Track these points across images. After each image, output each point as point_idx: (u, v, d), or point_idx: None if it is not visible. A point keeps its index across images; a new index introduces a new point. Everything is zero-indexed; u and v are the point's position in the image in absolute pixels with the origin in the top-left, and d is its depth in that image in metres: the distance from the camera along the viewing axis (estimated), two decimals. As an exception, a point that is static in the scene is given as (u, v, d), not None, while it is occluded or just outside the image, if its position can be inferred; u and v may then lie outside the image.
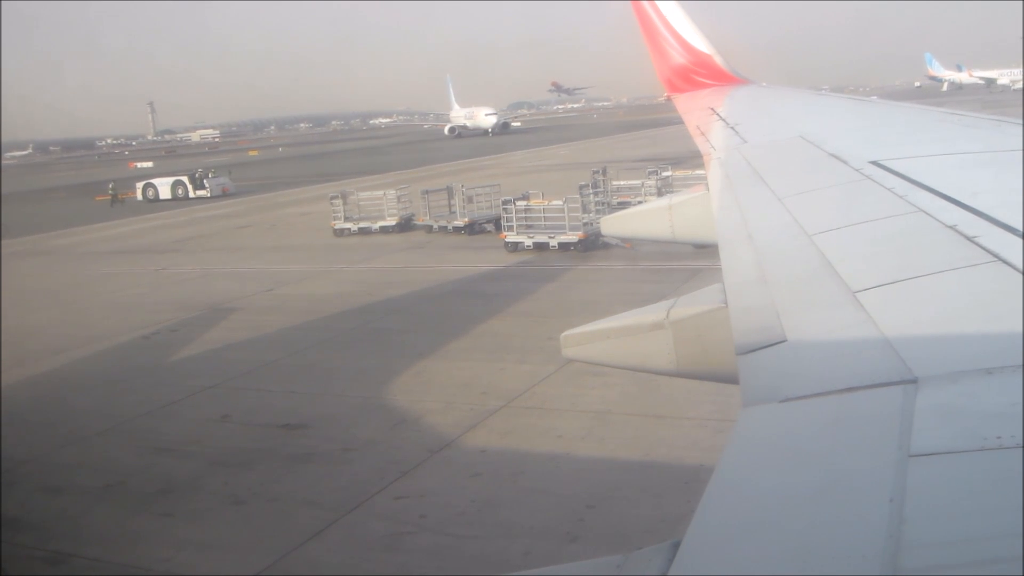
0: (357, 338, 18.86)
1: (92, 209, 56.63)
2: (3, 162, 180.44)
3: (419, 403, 14.19)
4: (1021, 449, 1.61)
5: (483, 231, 31.29)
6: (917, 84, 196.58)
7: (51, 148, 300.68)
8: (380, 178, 57.55)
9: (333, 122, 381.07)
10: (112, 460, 12.98)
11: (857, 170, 4.66)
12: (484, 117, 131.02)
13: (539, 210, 27.62)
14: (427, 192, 33.82)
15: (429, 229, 32.73)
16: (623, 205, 27.50)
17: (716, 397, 11.53)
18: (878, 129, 7.52)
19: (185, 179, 59.48)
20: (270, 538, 10.14)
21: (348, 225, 34.19)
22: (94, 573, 9.86)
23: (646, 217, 8.01)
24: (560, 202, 27.28)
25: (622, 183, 33.07)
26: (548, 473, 11.30)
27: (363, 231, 33.90)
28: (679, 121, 11.37)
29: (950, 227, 3.14)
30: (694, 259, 20.96)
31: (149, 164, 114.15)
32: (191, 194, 58.20)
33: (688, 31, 13.42)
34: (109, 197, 59.28)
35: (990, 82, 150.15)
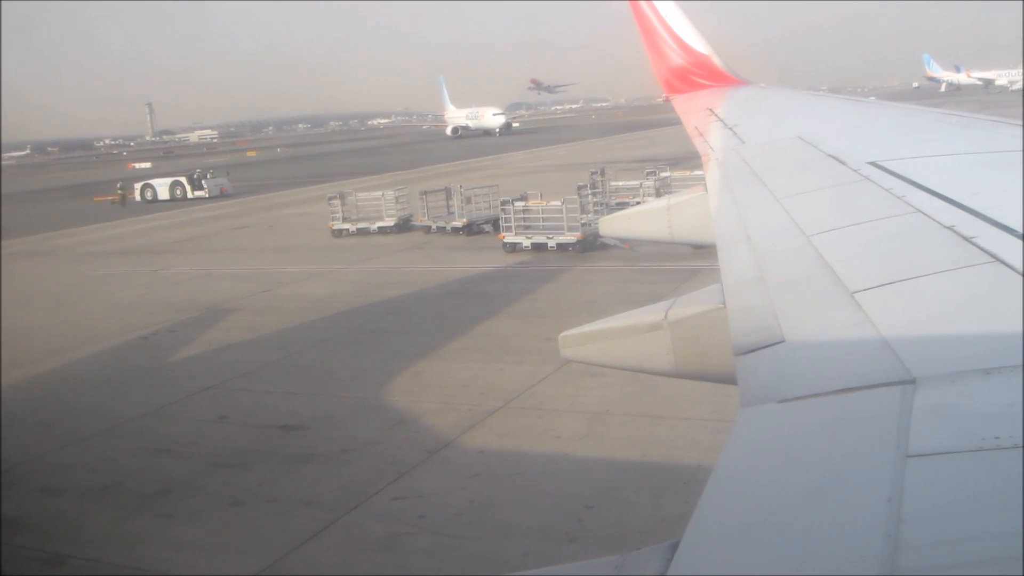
0: (355, 339, 18.85)
1: (90, 210, 56.58)
2: (2, 163, 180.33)
3: (417, 404, 14.19)
4: (1019, 449, 1.61)
5: (481, 232, 31.28)
6: (915, 85, 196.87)
7: (49, 149, 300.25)
8: (378, 179, 57.52)
9: (331, 123, 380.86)
10: (110, 461, 12.97)
11: (855, 171, 4.67)
12: (491, 117, 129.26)
13: (537, 211, 27.62)
14: (425, 193, 33.80)
15: (427, 230, 32.72)
16: (621, 206, 27.50)
17: (714, 398, 11.53)
18: (876, 130, 7.53)
19: (183, 180, 59.41)
20: (268, 539, 10.13)
21: (346, 226, 34.17)
22: (92, 574, 9.85)
23: (644, 218, 8.02)
24: (558, 203, 27.28)
25: (620, 184, 33.06)
26: (546, 474, 11.29)
27: (361, 232, 33.88)
28: (677, 122, 11.38)
29: (948, 228, 3.14)
30: (692, 260, 20.96)
31: (147, 165, 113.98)
32: (189, 195, 58.15)
33: (686, 32, 13.43)
34: (118, 196, 59.18)
35: (988, 83, 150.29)
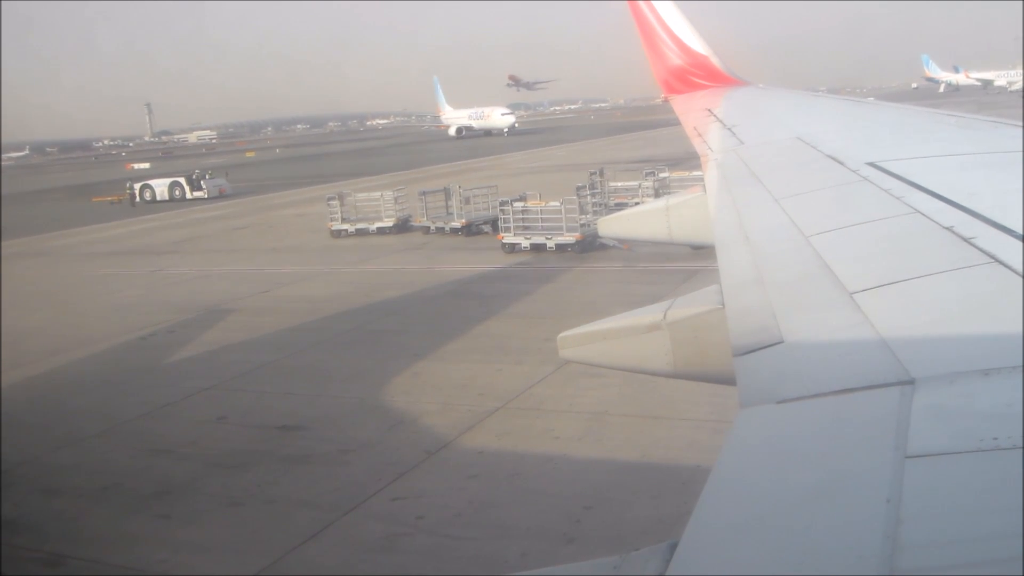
0: (354, 339, 18.85)
1: (89, 210, 56.56)
2: (1, 163, 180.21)
3: (416, 404, 14.18)
4: (1018, 450, 1.61)
5: (480, 232, 31.28)
6: (914, 85, 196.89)
7: (48, 149, 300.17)
8: (377, 179, 57.52)
9: (330, 123, 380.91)
10: (109, 462, 12.96)
11: (854, 171, 4.67)
12: (500, 117, 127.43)
13: (536, 211, 27.62)
14: (424, 193, 33.79)
15: (426, 230, 32.71)
16: (620, 206, 27.49)
17: (713, 398, 11.52)
18: (875, 130, 7.54)
19: (182, 180, 59.40)
20: (267, 539, 10.13)
21: (345, 226, 34.16)
22: (91, 574, 9.85)
23: (643, 218, 8.02)
24: (557, 203, 27.29)
25: (619, 184, 33.05)
26: (545, 474, 11.29)
27: (360, 232, 33.87)
28: (676, 122, 11.39)
29: (947, 228, 3.14)
30: (691, 260, 20.97)
31: (146, 165, 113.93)
32: (188, 195, 58.14)
33: (685, 32, 13.43)
34: (127, 196, 59.10)
35: (987, 83, 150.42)
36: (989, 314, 2.38)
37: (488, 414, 13.43)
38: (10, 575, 10.03)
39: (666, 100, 14.06)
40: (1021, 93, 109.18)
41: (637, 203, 26.18)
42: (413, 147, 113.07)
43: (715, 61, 13.55)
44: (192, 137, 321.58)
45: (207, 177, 60.08)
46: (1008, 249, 2.75)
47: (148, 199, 58.96)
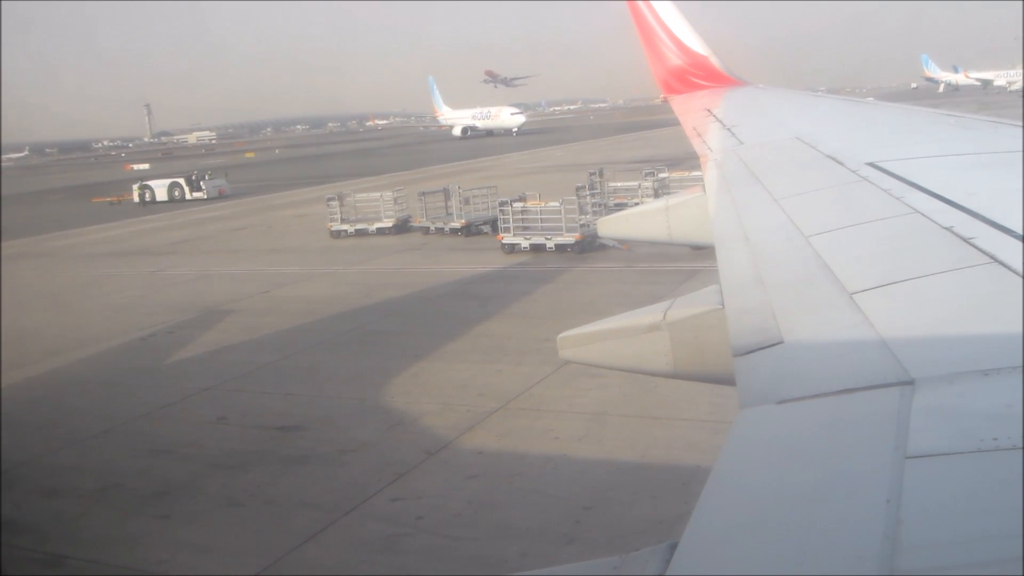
0: (354, 340, 18.85)
1: (89, 211, 56.54)
2: (1, 164, 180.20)
3: (416, 405, 14.18)
4: (1018, 450, 1.61)
5: (480, 233, 31.27)
6: (913, 85, 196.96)
7: (47, 150, 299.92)
8: (376, 180, 57.51)
9: (329, 124, 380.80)
10: (109, 462, 12.96)
11: (853, 171, 4.67)
12: (510, 117, 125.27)
13: (536, 212, 27.63)
14: (424, 194, 33.79)
15: (426, 231, 32.71)
16: (620, 207, 27.48)
17: (713, 399, 11.53)
18: (874, 130, 7.54)
19: (182, 181, 59.39)
20: (267, 540, 10.12)
21: (345, 227, 34.16)
22: (91, 575, 9.84)
23: (643, 218, 8.01)
24: (557, 203, 27.29)
25: (619, 184, 33.04)
26: (545, 475, 11.29)
27: (360, 233, 33.88)
28: (676, 123, 11.39)
29: (946, 228, 3.14)
30: (691, 260, 20.97)
31: (146, 166, 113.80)
32: (188, 196, 58.14)
33: (684, 32, 13.43)
34: (138, 195, 59.01)
35: (986, 83, 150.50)
36: (989, 314, 2.38)
37: (488, 414, 13.43)
38: (10, 575, 10.03)
39: (665, 100, 14.06)
40: (1020, 93, 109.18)
41: (637, 203, 26.17)
42: (413, 148, 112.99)
43: (714, 61, 13.55)
44: (192, 138, 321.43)
45: (207, 178, 60.07)
46: (1008, 249, 2.75)
47: (148, 200, 58.96)
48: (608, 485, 10.81)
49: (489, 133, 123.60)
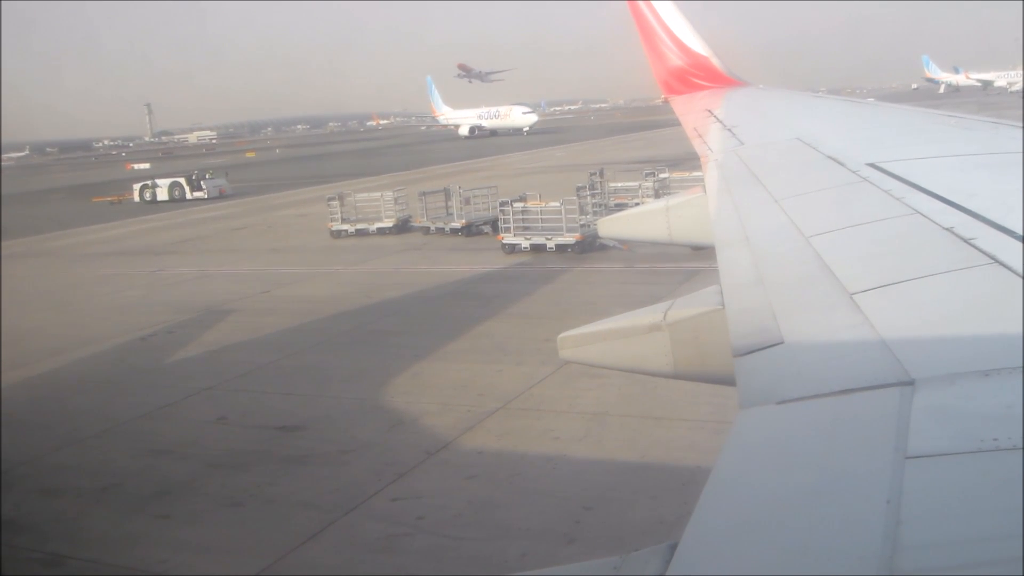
0: (354, 340, 18.85)
1: (89, 211, 56.55)
2: (1, 163, 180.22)
3: (416, 405, 14.18)
4: (1018, 451, 1.61)
5: (480, 233, 31.28)
6: (914, 86, 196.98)
7: (48, 149, 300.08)
8: (377, 180, 57.52)
9: (330, 124, 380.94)
10: (109, 462, 12.97)
11: (854, 172, 4.67)
12: (521, 116, 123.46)
13: (536, 212, 27.62)
14: (424, 194, 33.79)
15: (426, 231, 32.71)
16: (620, 207, 27.49)
17: (713, 399, 11.53)
18: (875, 131, 7.53)
19: (182, 180, 59.41)
20: (267, 540, 10.13)
21: (345, 227, 34.17)
22: (91, 574, 9.84)
23: (643, 219, 8.01)
24: (557, 204, 27.29)
25: (619, 185, 33.05)
26: (545, 475, 11.29)
27: (360, 233, 33.88)
28: (676, 123, 11.39)
29: (947, 229, 3.14)
30: (691, 261, 20.97)
31: (146, 165, 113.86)
32: (188, 195, 58.16)
33: (685, 33, 13.43)
34: (138, 195, 58.94)
35: (987, 84, 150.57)
36: (989, 315, 2.38)
37: (488, 415, 13.43)
38: (10, 575, 10.03)
39: (666, 101, 14.06)
40: (1021, 94, 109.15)
41: (637, 204, 26.18)
42: (413, 148, 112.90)
43: (715, 62, 13.55)
44: (192, 137, 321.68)
45: (207, 177, 60.09)
46: (1008, 250, 2.74)
47: (148, 199, 58.98)
48: (608, 485, 10.82)
49: (493, 133, 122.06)
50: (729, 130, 8.42)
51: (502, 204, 28.06)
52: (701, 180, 6.79)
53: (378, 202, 34.83)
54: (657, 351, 4.14)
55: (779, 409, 2.18)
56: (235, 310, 22.62)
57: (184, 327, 21.16)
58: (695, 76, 13.45)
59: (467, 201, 32.70)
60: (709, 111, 10.69)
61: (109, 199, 61.68)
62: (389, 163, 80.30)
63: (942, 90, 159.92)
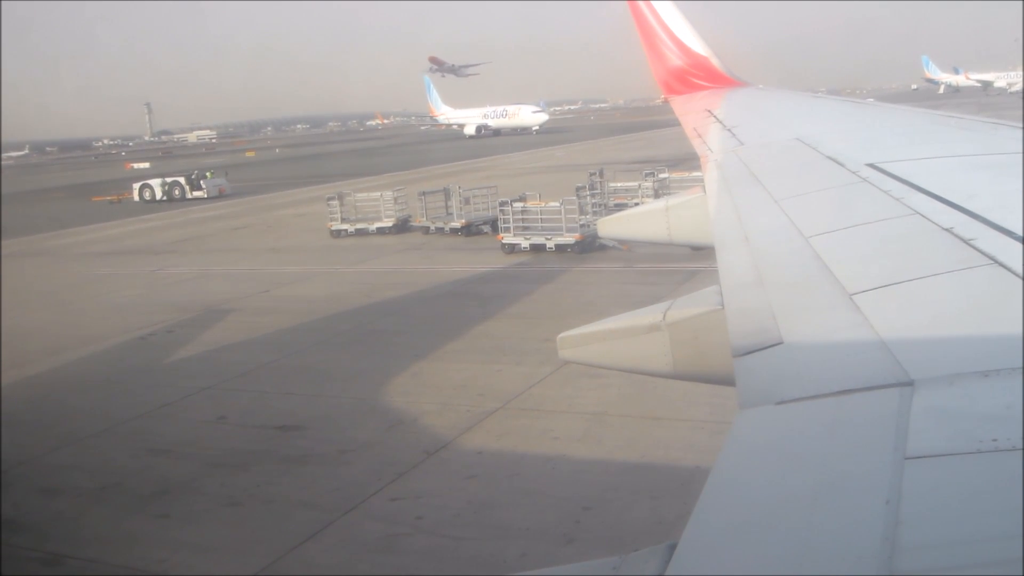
0: (354, 339, 18.85)
1: (89, 210, 56.54)
2: (1, 162, 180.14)
3: (415, 404, 14.18)
4: (1017, 451, 1.61)
5: (480, 233, 31.27)
6: (914, 87, 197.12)
7: (48, 149, 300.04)
8: (377, 179, 57.51)
9: (330, 123, 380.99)
10: (108, 461, 12.96)
11: (854, 172, 4.67)
12: (531, 115, 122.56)
13: (536, 212, 27.62)
14: (424, 193, 33.78)
15: (426, 230, 32.71)
16: (620, 207, 27.51)
17: (712, 399, 11.53)
18: (875, 132, 7.53)
19: (182, 180, 59.39)
20: (266, 539, 10.12)
21: (345, 226, 34.16)
22: (90, 574, 9.84)
23: (643, 219, 8.01)
24: (557, 204, 27.28)
25: (619, 185, 33.06)
26: (544, 475, 11.29)
27: (360, 232, 33.87)
28: (676, 123, 11.39)
29: (947, 230, 3.14)
30: (691, 261, 20.97)
31: (146, 165, 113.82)
32: (188, 195, 58.15)
33: (685, 33, 13.43)
34: (165, 189, 58.86)
35: (987, 85, 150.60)
36: (989, 315, 2.38)
37: (487, 415, 13.43)
38: (10, 575, 10.03)
39: (666, 101, 14.06)
40: (1021, 94, 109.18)
41: (637, 204, 26.19)
42: (413, 147, 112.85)
43: (715, 62, 13.55)
44: (192, 137, 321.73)
45: (207, 177, 60.07)
46: (1008, 251, 2.74)
47: (148, 199, 58.98)
48: (608, 485, 10.81)
49: (496, 133, 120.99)
50: (729, 130, 8.42)
51: (502, 204, 28.06)
52: (701, 180, 6.79)
53: (378, 202, 34.82)
54: (657, 351, 4.15)
55: (778, 409, 2.18)
56: (235, 309, 22.62)
57: (184, 326, 21.16)
58: (695, 76, 13.45)
59: (467, 201, 32.70)
60: (709, 111, 10.69)
61: (109, 198, 61.68)
62: (389, 163, 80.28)
63: (942, 91, 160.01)
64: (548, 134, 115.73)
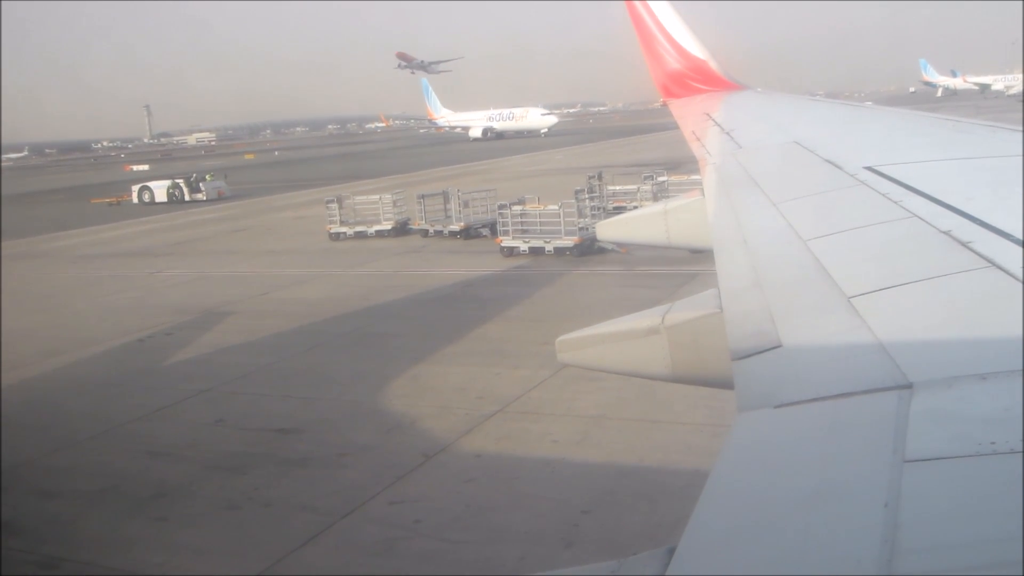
0: (352, 342, 18.84)
1: (88, 212, 56.52)
2: (1, 164, 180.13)
3: (414, 408, 14.17)
4: (1016, 454, 1.61)
5: (479, 236, 31.25)
6: (912, 90, 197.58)
7: (47, 150, 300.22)
8: (376, 182, 57.52)
9: (329, 126, 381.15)
10: (106, 464, 12.94)
11: (852, 175, 4.67)
12: (540, 117, 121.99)
13: (535, 215, 27.63)
14: (423, 196, 33.78)
15: (425, 233, 32.70)
16: (619, 210, 27.52)
17: (711, 402, 11.52)
18: (873, 135, 7.54)
19: (181, 182, 59.37)
20: (264, 543, 10.11)
21: (344, 229, 34.16)
22: (87, 577, 9.83)
23: (642, 222, 8.02)
24: (556, 207, 27.30)
25: (618, 188, 33.09)
26: (543, 478, 11.28)
27: (359, 235, 33.86)
28: (675, 126, 11.39)
29: (944, 232, 3.14)
30: (690, 264, 20.96)
31: (145, 167, 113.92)
32: (187, 197, 58.13)
33: (683, 36, 13.44)
34: (174, 189, 58.72)
35: (984, 87, 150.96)
36: (987, 318, 2.38)
37: (486, 418, 13.42)
38: (6, 578, 10.01)
39: (664, 104, 14.06)
40: (1018, 97, 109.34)
41: (635, 207, 26.23)
42: (412, 150, 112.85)
43: (713, 65, 13.56)
44: (191, 139, 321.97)
45: (206, 179, 60.06)
46: (1006, 253, 2.74)
47: (147, 201, 58.97)
48: (606, 489, 10.81)
49: (500, 135, 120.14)
50: (727, 133, 8.43)
51: (501, 207, 28.07)
52: (699, 183, 6.79)
53: (377, 205, 34.83)
54: (655, 354, 4.15)
55: (777, 413, 2.18)
56: (233, 312, 22.60)
57: (182, 329, 21.14)
58: (693, 80, 13.46)
59: (466, 204, 32.69)
60: (707, 115, 10.70)
61: (108, 200, 61.66)
62: (388, 166, 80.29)
63: (940, 93, 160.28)
64: (556, 136, 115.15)
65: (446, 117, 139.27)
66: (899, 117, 8.98)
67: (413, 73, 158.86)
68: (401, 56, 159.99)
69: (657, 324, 4.13)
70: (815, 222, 3.99)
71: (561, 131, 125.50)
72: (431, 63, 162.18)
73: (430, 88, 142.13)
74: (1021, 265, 2.59)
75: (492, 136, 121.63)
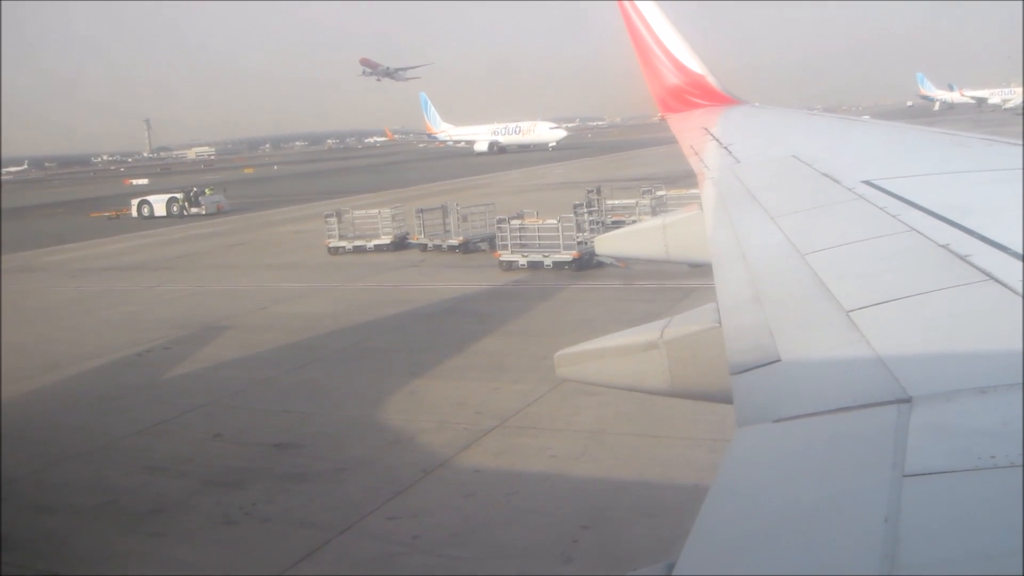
0: (351, 357, 18.81)
1: (87, 226, 56.55)
2: (1, 177, 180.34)
3: (413, 422, 14.13)
4: (1016, 468, 1.61)
5: (478, 250, 31.29)
6: (909, 104, 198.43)
7: (47, 164, 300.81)
8: (375, 196, 57.60)
9: (328, 140, 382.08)
10: (103, 479, 12.89)
11: (850, 189, 4.68)
12: (548, 131, 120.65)
13: (533, 229, 27.67)
14: (422, 211, 33.83)
15: (424, 248, 32.72)
16: (617, 224, 27.53)
17: (711, 417, 11.47)
18: (870, 148, 7.56)
19: (180, 196, 59.46)
20: (262, 559, 10.06)
21: (342, 243, 34.18)
22: (84, 594, 9.77)
23: (640, 236, 8.03)
24: (554, 221, 27.35)
25: (616, 202, 33.11)
26: (542, 493, 11.24)
27: (357, 249, 33.89)
28: (673, 141, 11.43)
29: (943, 246, 3.14)
30: (688, 278, 20.96)
31: (144, 181, 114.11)
32: (186, 211, 58.21)
33: (681, 51, 13.50)
34: (180, 204, 58.72)
35: (981, 101, 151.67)
36: (986, 332, 2.38)
37: (485, 432, 13.39)
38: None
39: (662, 119, 14.11)
40: (1017, 110, 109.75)
41: (634, 221, 26.24)
42: (411, 165, 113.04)
43: (711, 80, 13.62)
44: (191, 153, 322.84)
45: (205, 193, 60.15)
46: (1005, 267, 2.75)
47: (146, 215, 59.05)
48: (606, 504, 10.77)
49: (503, 149, 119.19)
50: (725, 148, 8.45)
51: (500, 221, 28.11)
52: (698, 198, 6.80)
53: (375, 219, 34.88)
54: (654, 369, 4.14)
55: (776, 427, 2.17)
56: (232, 326, 22.59)
57: (181, 343, 21.11)
58: (691, 94, 13.51)
59: (465, 218, 32.73)
60: (705, 129, 10.73)
61: (107, 214, 61.72)
62: (387, 180, 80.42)
63: (937, 107, 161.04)
64: (560, 151, 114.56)
65: (447, 131, 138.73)
66: (897, 131, 9.01)
67: (379, 80, 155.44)
68: (365, 63, 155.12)
69: (656, 338, 4.13)
70: (813, 236, 4.00)
71: (568, 145, 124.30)
72: (397, 70, 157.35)
73: (429, 102, 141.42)
74: (1020, 278, 2.59)
75: (497, 150, 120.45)
